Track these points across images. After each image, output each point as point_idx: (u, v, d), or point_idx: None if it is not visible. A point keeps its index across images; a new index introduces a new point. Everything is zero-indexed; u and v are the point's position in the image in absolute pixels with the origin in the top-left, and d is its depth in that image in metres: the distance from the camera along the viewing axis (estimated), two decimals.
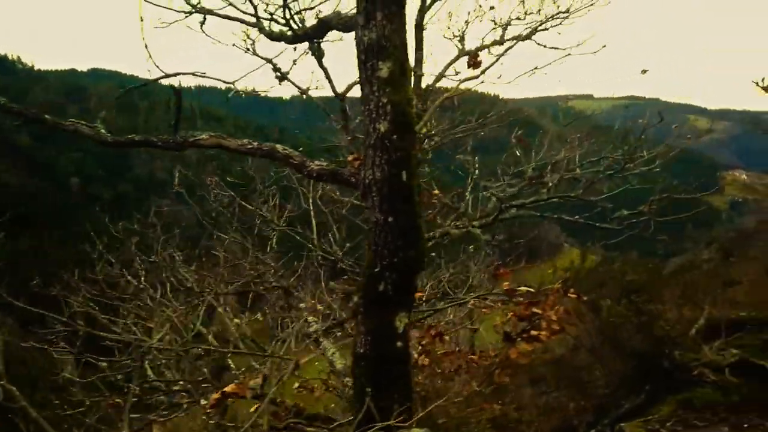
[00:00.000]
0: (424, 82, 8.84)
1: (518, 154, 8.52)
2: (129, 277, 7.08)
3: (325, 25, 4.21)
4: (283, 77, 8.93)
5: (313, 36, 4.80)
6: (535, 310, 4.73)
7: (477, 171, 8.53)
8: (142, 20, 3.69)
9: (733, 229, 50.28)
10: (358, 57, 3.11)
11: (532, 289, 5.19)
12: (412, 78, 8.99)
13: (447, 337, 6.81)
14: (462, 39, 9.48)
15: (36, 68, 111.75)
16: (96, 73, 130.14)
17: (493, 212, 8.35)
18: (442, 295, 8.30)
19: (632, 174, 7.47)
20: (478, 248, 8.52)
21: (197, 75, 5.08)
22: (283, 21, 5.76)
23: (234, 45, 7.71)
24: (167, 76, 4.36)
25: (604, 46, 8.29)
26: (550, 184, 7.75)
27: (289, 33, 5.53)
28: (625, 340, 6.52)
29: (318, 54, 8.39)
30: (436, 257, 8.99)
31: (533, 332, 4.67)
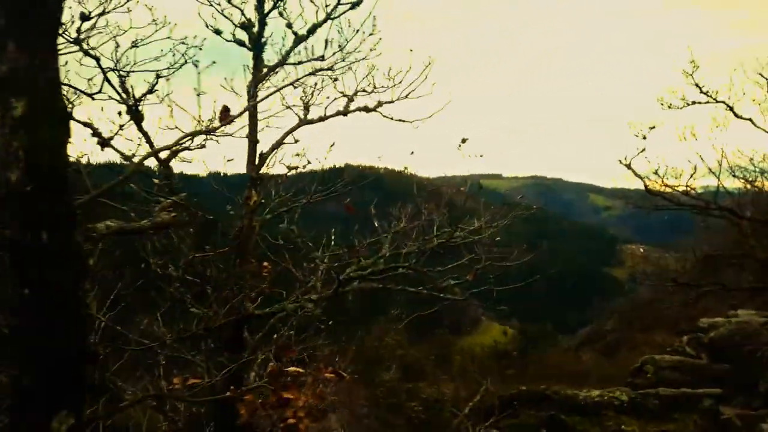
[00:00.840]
0: (261, 149, 8.53)
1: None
2: None
3: None
4: (105, 143, 8.28)
5: None
6: (288, 395, 4.15)
7: (306, 242, 8.12)
8: None
9: (630, 299, 52.87)
10: None
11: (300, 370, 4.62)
12: (246, 144, 8.69)
13: None
14: (306, 108, 9.40)
15: None
16: None
17: (332, 286, 7.87)
18: None
19: (462, 243, 7.41)
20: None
21: None
22: None
23: None
24: None
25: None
26: (386, 254, 7.49)
27: None
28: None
29: (136, 118, 7.91)
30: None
31: (289, 421, 4.06)
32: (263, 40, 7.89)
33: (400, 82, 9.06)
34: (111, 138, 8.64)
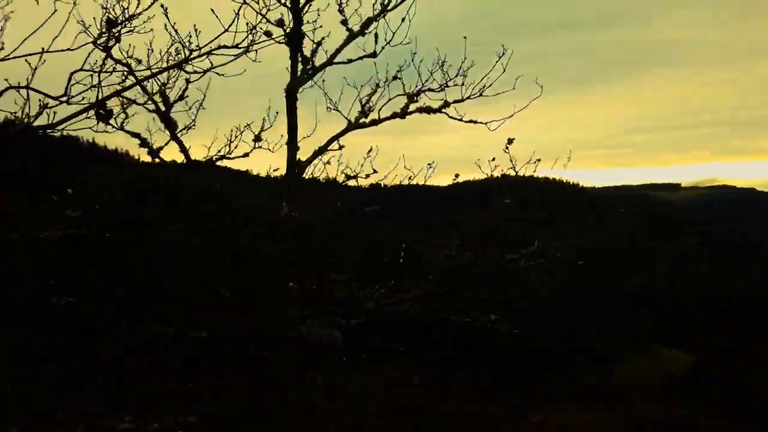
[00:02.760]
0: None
1: None
2: None
3: None
4: (154, 153, 8.24)
5: None
6: None
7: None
8: None
9: None
10: None
11: None
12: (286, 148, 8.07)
13: None
14: (363, 112, 8.51)
15: None
16: None
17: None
18: None
19: None
20: None
21: None
22: None
23: None
24: None
25: None
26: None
27: None
28: None
29: (170, 125, 7.71)
30: None
31: None
32: (301, 38, 7.21)
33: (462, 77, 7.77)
34: (161, 148, 8.73)
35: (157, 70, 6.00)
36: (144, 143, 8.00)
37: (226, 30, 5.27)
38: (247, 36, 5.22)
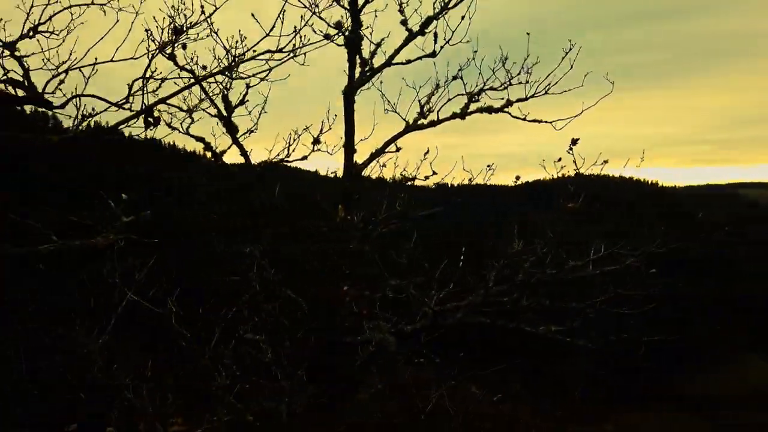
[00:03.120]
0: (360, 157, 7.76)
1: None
2: None
3: None
4: (217, 157, 8.43)
5: None
6: None
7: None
8: None
9: None
10: None
11: None
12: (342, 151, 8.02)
13: None
14: (422, 113, 8.31)
15: None
16: None
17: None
18: None
19: None
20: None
21: None
22: None
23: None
24: None
25: None
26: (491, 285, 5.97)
27: None
28: None
29: (231, 129, 7.83)
30: None
31: None
32: (360, 40, 7.15)
33: (527, 74, 7.44)
34: (224, 152, 8.92)
35: (204, 74, 6.07)
36: (207, 147, 8.25)
37: (268, 34, 5.24)
38: (293, 39, 5.16)
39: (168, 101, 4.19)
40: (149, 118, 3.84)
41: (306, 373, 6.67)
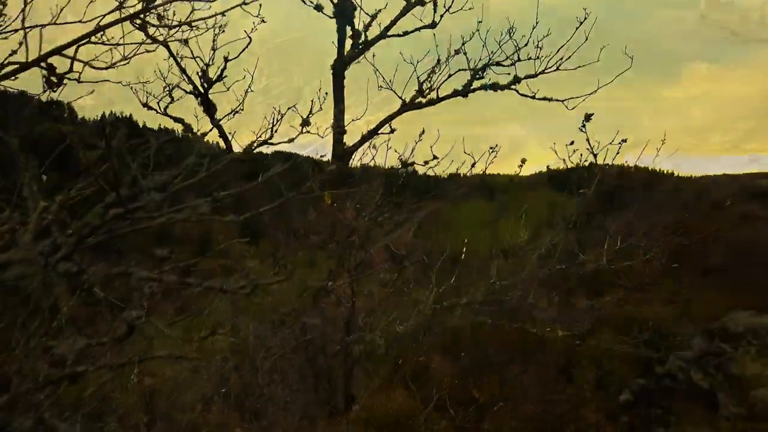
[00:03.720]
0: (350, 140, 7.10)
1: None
2: None
3: None
4: (198, 139, 7.79)
5: None
6: None
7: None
8: None
9: None
10: None
11: None
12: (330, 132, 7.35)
13: None
14: (421, 91, 7.60)
15: None
16: None
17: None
18: None
19: None
20: None
21: None
22: None
23: None
24: None
25: None
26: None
27: None
28: None
29: (209, 109, 7.17)
30: None
31: None
32: (352, 10, 6.46)
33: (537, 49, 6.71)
34: (205, 134, 8.26)
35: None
36: (187, 128, 7.61)
37: None
38: None
39: (81, 43, 3.02)
40: (52, 77, 2.91)
41: None
